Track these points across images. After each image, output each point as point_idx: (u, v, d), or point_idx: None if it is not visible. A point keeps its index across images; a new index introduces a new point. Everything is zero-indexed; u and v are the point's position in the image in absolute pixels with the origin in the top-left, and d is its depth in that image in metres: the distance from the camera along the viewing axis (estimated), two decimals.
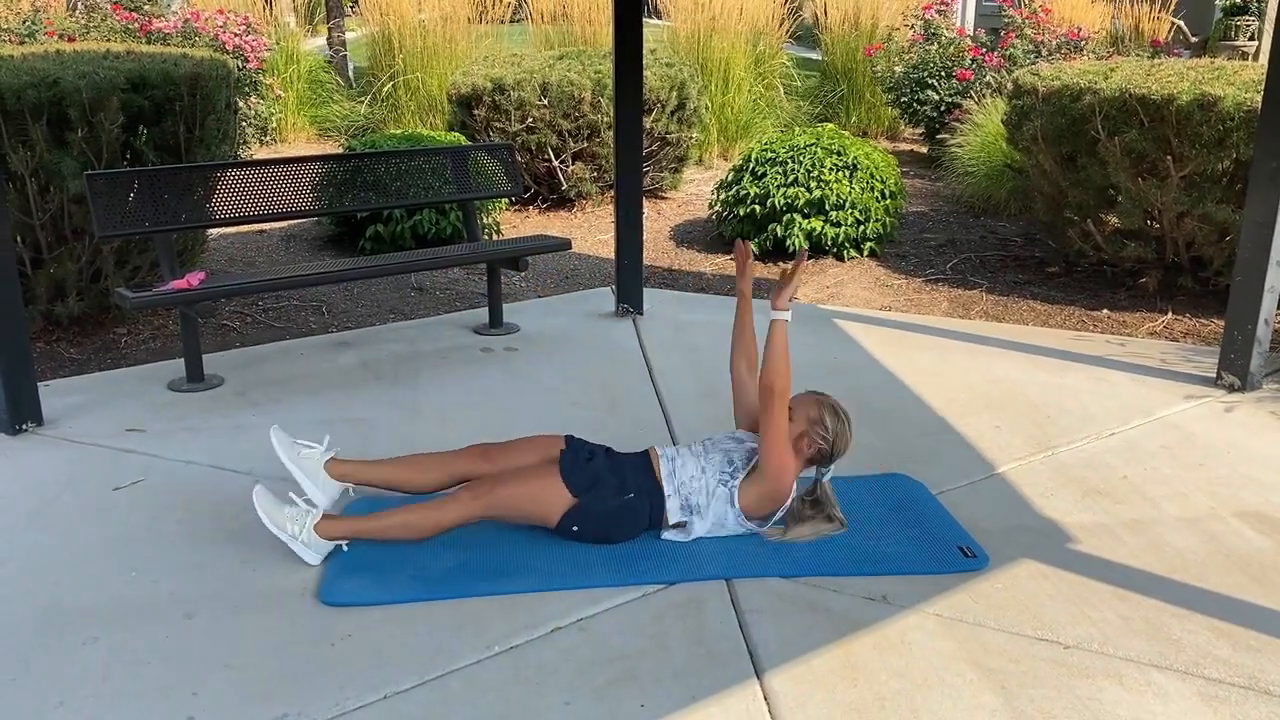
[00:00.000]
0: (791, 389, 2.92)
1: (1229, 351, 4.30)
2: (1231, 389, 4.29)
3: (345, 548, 2.96)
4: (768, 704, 2.38)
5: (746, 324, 3.32)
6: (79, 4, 10.36)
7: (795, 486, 3.04)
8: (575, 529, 2.96)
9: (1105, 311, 5.58)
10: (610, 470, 3.00)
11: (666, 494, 2.99)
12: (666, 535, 3.03)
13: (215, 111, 5.30)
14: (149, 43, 9.13)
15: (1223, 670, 2.51)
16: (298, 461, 3.05)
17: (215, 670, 2.49)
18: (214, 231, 6.99)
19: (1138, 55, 9.68)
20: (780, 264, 3.08)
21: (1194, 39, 11.42)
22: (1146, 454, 3.71)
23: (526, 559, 2.94)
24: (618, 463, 3.05)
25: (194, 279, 4.17)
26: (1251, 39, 11.10)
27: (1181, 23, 11.23)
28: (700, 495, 3.00)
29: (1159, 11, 10.61)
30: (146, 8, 10.15)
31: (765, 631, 2.64)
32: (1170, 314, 5.49)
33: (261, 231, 7.28)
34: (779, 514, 3.05)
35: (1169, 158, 5.23)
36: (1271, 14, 10.08)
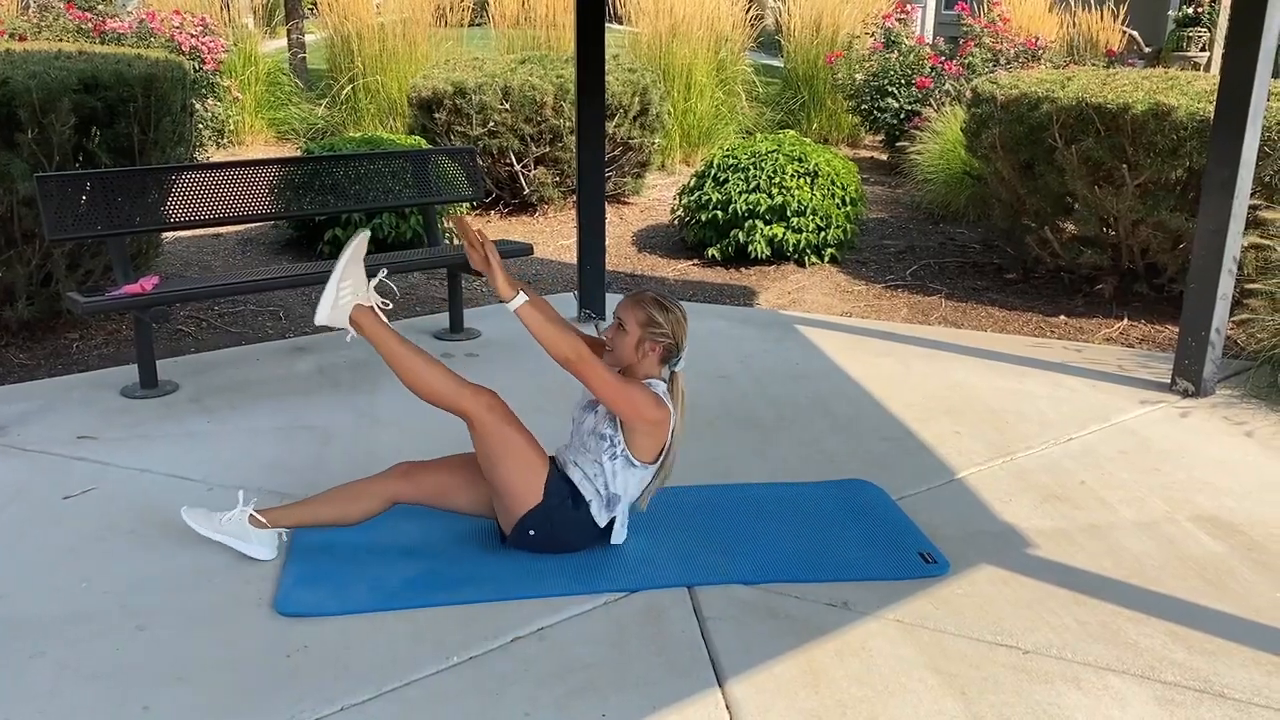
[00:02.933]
0: (574, 345, 2.75)
1: (1183, 357, 4.36)
2: (1186, 394, 4.35)
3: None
4: (729, 712, 2.37)
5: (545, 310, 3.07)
6: (31, 3, 10.18)
7: (663, 397, 2.89)
8: (532, 533, 2.91)
9: (1062, 318, 5.64)
10: (564, 491, 2.95)
11: (587, 499, 2.93)
12: (615, 540, 3.00)
13: (170, 113, 5.22)
14: (103, 43, 8.98)
15: (1178, 674, 2.53)
16: (220, 530, 2.94)
17: (167, 684, 2.44)
18: (169, 235, 6.88)
19: (1093, 65, 9.82)
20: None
21: (1148, 49, 11.60)
22: (1104, 459, 3.75)
23: (486, 569, 2.91)
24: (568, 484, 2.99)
25: (148, 283, 4.10)
26: (1203, 50, 11.30)
27: (1135, 33, 11.41)
28: (612, 481, 2.92)
29: (1114, 22, 10.77)
30: (100, 7, 10.00)
31: (727, 639, 2.63)
32: (1126, 320, 5.56)
33: (217, 235, 7.18)
34: (671, 435, 2.93)
35: (1124, 166, 5.30)
36: (1223, 26, 10.27)
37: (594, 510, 2.93)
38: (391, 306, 3.03)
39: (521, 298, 2.78)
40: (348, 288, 2.89)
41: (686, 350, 2.97)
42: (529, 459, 2.87)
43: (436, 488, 2.98)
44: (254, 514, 2.94)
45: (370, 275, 2.99)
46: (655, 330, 2.90)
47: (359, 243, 2.96)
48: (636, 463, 2.91)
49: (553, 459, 3.03)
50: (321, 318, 2.91)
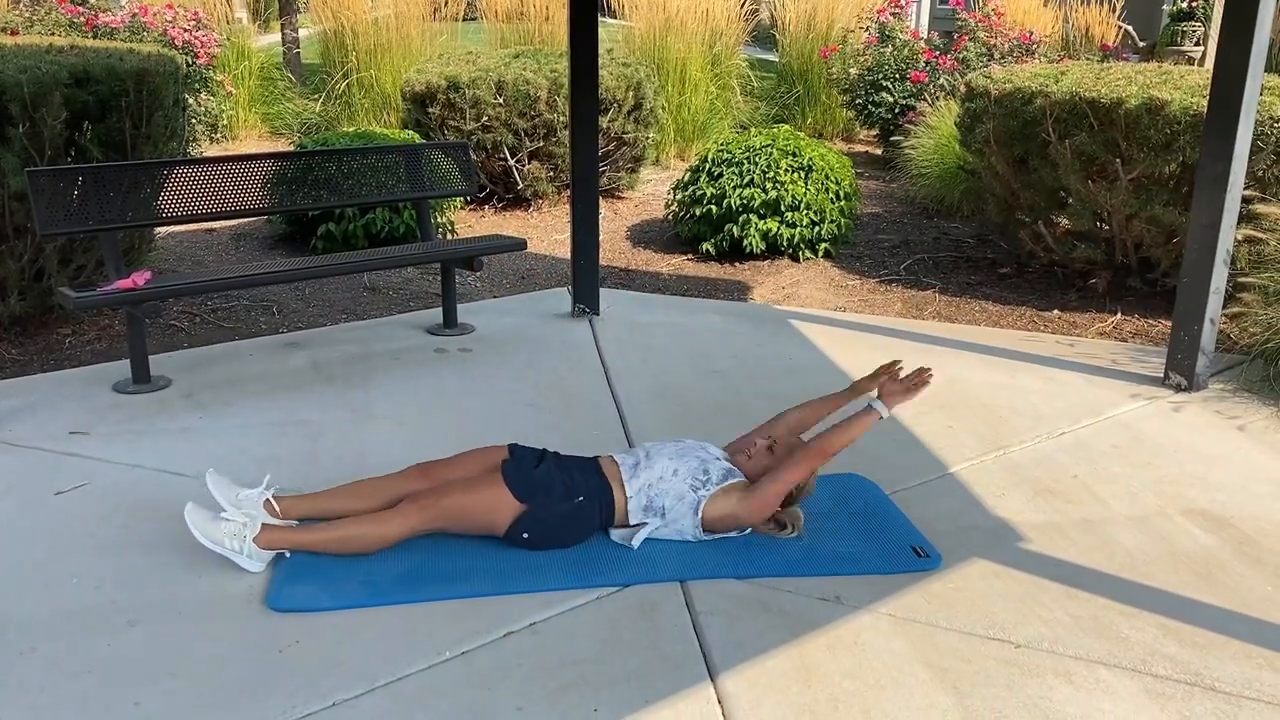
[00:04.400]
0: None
1: (1176, 352, 4.37)
2: (1178, 389, 4.36)
3: (288, 554, 2.91)
4: (721, 707, 2.37)
5: (837, 403, 3.33)
6: None
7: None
8: (525, 536, 2.93)
9: (1056, 312, 5.64)
10: (558, 474, 2.98)
11: (628, 495, 2.98)
12: (615, 535, 3.01)
13: (163, 108, 5.21)
14: (95, 38, 8.95)
15: (1169, 667, 2.54)
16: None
17: (158, 680, 2.43)
18: (162, 230, 6.87)
19: (1087, 59, 9.82)
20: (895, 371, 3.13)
21: (1142, 44, 11.60)
22: (1096, 453, 3.75)
23: (479, 563, 2.91)
24: (565, 466, 3.03)
25: (140, 278, 4.09)
26: (1198, 45, 11.30)
27: (1130, 28, 11.41)
28: (668, 497, 2.97)
29: (1109, 16, 10.77)
30: (93, 1, 9.95)
31: (719, 633, 2.63)
32: (1119, 314, 5.57)
33: (211, 230, 7.16)
34: (733, 534, 3.06)
35: (1118, 160, 5.30)
36: (1217, 20, 10.27)
37: (631, 506, 2.97)
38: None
39: (886, 414, 3.01)
40: (234, 537, 2.82)
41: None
42: (481, 498, 2.91)
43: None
44: (270, 499, 2.94)
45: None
46: (799, 491, 3.09)
47: (191, 513, 2.84)
48: (699, 515, 2.97)
49: (555, 455, 3.09)
50: (258, 568, 2.86)
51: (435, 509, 2.87)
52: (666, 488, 2.98)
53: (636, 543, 2.98)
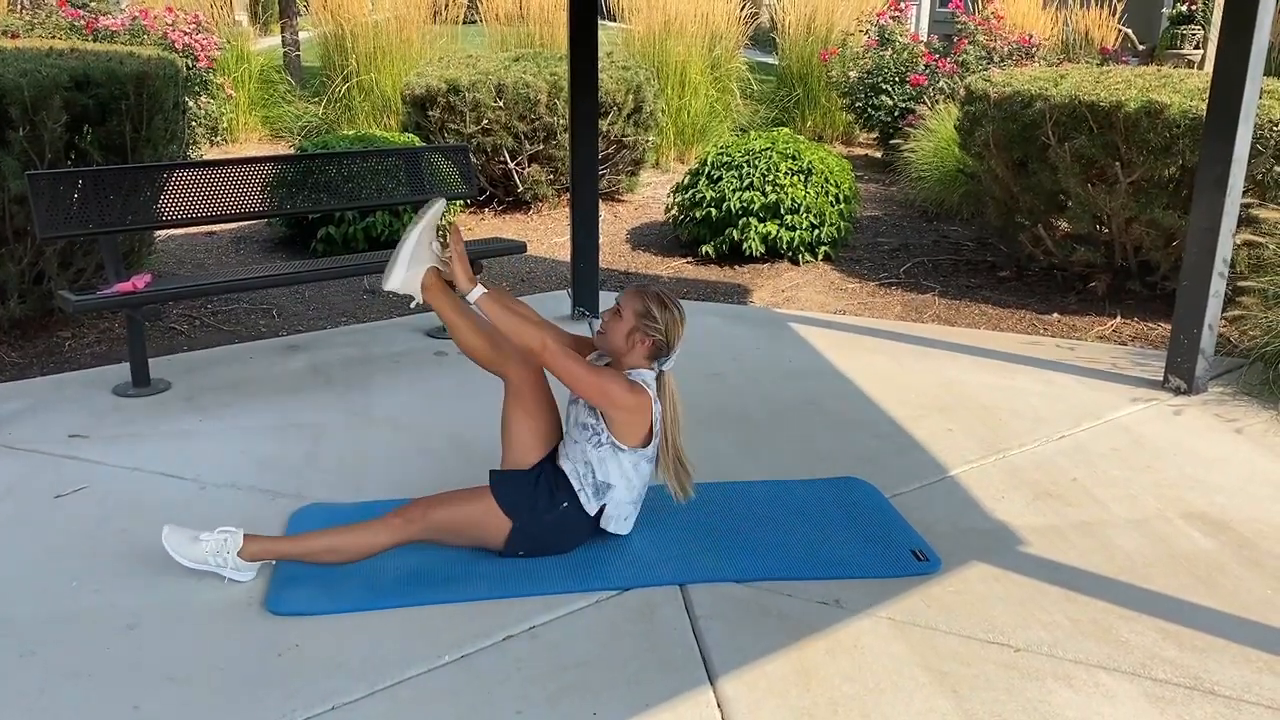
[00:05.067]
0: (538, 336, 2.80)
1: (1175, 355, 4.37)
2: (1178, 392, 4.36)
3: (274, 564, 2.90)
4: (720, 710, 2.37)
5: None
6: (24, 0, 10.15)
7: (641, 384, 2.90)
8: (521, 553, 2.92)
9: (1055, 315, 5.64)
10: (541, 481, 2.92)
11: (575, 489, 2.92)
12: (617, 531, 3.00)
13: (163, 111, 5.21)
14: (95, 40, 8.96)
15: (1169, 671, 2.54)
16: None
17: (158, 683, 2.43)
18: (161, 233, 6.87)
19: (1087, 62, 9.83)
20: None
21: (1141, 47, 11.61)
22: (1096, 456, 3.75)
23: (478, 566, 2.91)
24: (546, 468, 2.96)
25: (140, 281, 4.09)
26: (1197, 48, 11.31)
27: (1129, 31, 11.42)
28: (599, 469, 2.91)
29: (1108, 19, 10.78)
30: (93, 4, 9.97)
31: (718, 636, 2.63)
32: (1119, 318, 5.57)
33: (211, 233, 7.17)
34: (655, 421, 2.92)
35: (1117, 163, 5.30)
36: (1216, 23, 10.28)
37: (583, 501, 2.93)
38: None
39: (479, 290, 2.85)
40: (217, 554, 2.80)
41: (678, 351, 2.98)
42: (469, 513, 2.86)
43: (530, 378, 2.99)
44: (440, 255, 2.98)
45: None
46: (649, 323, 2.92)
47: (169, 537, 2.83)
48: (624, 447, 2.89)
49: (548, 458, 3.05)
50: (248, 578, 2.83)
51: (421, 522, 2.81)
52: (588, 468, 2.92)
53: (626, 527, 2.97)
